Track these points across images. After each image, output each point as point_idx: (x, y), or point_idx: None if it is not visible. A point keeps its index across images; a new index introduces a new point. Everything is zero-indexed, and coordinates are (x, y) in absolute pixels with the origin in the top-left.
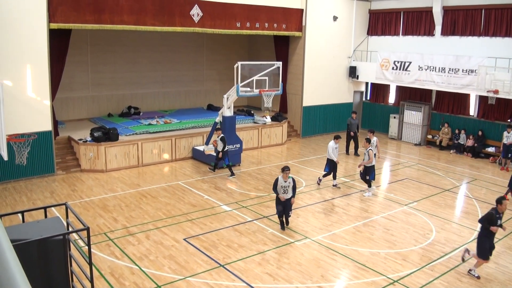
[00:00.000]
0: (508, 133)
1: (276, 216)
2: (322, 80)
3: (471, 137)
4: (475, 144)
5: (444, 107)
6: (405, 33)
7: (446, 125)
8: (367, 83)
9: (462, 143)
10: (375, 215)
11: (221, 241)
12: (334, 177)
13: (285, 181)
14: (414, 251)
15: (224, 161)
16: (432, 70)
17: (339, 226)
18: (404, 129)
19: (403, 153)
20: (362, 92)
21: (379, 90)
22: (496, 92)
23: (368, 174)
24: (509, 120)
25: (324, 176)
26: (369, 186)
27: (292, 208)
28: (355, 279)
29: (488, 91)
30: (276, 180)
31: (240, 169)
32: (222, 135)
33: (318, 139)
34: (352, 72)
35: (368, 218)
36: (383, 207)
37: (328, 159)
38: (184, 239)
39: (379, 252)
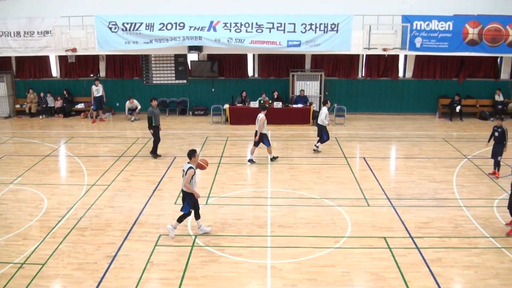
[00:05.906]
0: (97, 86)
1: None
2: None
3: (58, 98)
4: (64, 104)
5: (26, 73)
6: None
7: (31, 91)
8: None
9: (52, 105)
10: None
11: None
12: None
13: None
14: (33, 226)
15: None
16: (8, 36)
17: None
18: None
19: None
20: None
21: None
22: (74, 50)
23: None
24: (91, 75)
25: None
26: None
27: None
28: None
29: (66, 50)
30: None
31: None
32: None
33: None
34: None
35: None
36: None
37: (319, 125)
38: None
39: None
